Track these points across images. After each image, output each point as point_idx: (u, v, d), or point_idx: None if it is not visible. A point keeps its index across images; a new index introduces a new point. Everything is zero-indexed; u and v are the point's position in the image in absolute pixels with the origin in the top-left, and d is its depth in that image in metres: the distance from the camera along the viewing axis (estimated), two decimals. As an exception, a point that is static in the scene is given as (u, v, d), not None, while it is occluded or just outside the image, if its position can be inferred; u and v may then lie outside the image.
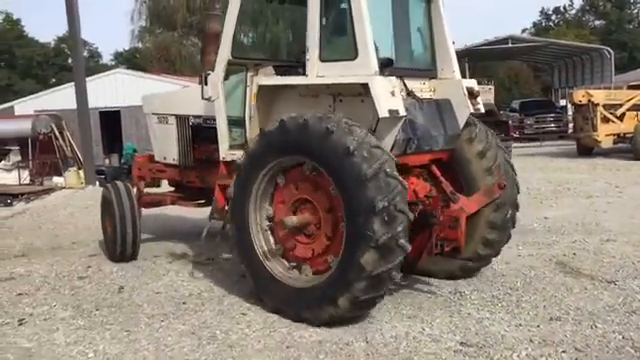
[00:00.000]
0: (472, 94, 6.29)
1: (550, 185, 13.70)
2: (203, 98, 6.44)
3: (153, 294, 6.22)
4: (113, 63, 67.55)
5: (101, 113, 31.16)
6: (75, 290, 6.44)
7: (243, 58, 6.59)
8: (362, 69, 5.39)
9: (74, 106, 16.77)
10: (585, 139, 21.22)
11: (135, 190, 8.13)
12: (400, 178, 5.11)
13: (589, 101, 20.51)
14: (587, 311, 5.44)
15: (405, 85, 5.99)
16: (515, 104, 32.75)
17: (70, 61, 77.71)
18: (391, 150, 5.50)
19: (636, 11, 71.26)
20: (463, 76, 6.54)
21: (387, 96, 5.35)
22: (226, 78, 6.42)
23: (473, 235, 6.23)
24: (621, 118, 21.07)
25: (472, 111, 6.30)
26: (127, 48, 61.58)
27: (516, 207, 6.57)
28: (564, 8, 71.98)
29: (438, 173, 6.33)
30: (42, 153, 26.23)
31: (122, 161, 25.04)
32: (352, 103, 5.65)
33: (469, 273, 6.58)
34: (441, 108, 6.25)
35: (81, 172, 16.12)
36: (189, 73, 34.98)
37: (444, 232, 5.81)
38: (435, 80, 6.44)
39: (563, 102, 34.73)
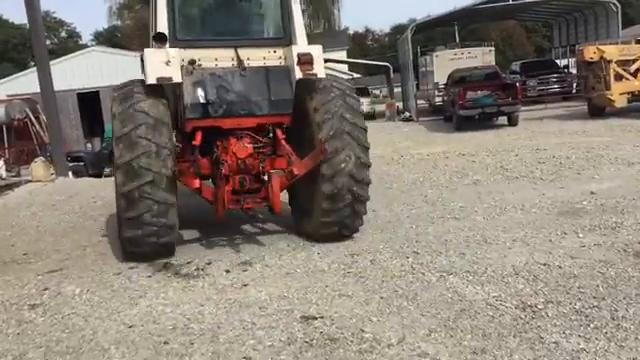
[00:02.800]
0: (304, 61, 6.62)
1: (578, 152, 12.25)
2: None
3: (125, 329, 4.68)
4: (94, 43, 65.04)
5: (79, 95, 29.44)
6: (22, 327, 4.88)
7: None
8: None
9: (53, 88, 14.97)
10: (598, 99, 19.78)
11: None
12: (157, 140, 6.13)
13: (601, 57, 19.00)
14: None
15: (237, 54, 6.75)
16: (515, 66, 31.11)
17: (49, 42, 75.28)
18: (189, 113, 6.54)
19: (627, -35, 69.36)
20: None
21: (158, 65, 6.32)
22: None
23: (314, 203, 6.80)
24: (635, 75, 19.61)
25: (301, 77, 6.66)
26: (106, 27, 59.19)
27: (353, 177, 6.62)
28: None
29: (280, 136, 6.91)
30: (18, 140, 24.51)
31: (103, 145, 23.33)
32: None
33: (327, 238, 6.83)
34: (270, 75, 6.80)
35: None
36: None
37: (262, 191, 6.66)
38: (287, 48, 6.88)
39: (564, 62, 33.15)
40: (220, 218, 6.78)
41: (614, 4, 24.50)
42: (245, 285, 5.58)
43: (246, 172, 6.67)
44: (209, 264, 6.35)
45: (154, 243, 6.36)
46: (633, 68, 19.56)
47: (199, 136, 6.70)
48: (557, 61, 33.18)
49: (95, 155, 20.27)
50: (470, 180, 10.29)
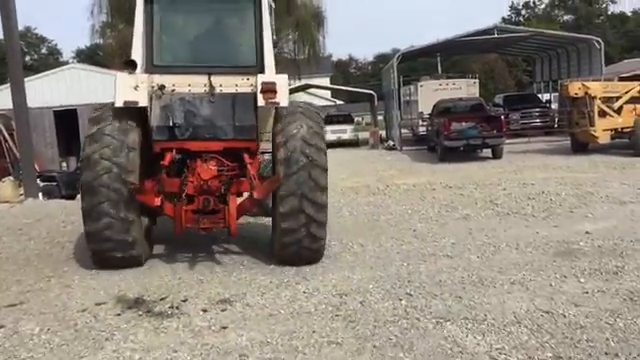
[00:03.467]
0: (266, 89, 6.86)
1: (566, 188, 12.03)
2: None
3: (87, 379, 4.16)
4: (75, 61, 64.32)
5: (56, 112, 28.72)
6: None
7: None
8: None
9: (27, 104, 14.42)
10: (581, 134, 19.82)
11: None
12: (115, 160, 6.56)
13: (586, 93, 19.07)
14: None
15: (209, 81, 7.08)
16: (498, 99, 31.27)
17: (28, 58, 74.21)
18: (156, 135, 6.92)
19: (604, 5, 71.32)
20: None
21: (126, 89, 6.79)
22: None
23: (275, 225, 6.98)
24: (618, 112, 19.70)
25: (263, 105, 6.93)
26: (88, 45, 58.55)
27: (306, 198, 6.67)
28: (533, 3, 71.70)
29: (247, 160, 7.04)
30: (-10, 156, 23.69)
31: (77, 165, 22.58)
32: None
33: (288, 260, 6.97)
34: (236, 102, 7.07)
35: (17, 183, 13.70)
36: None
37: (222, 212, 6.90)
38: (258, 76, 7.07)
39: (547, 96, 33.46)
40: (179, 235, 7.14)
41: (597, 41, 24.82)
42: (224, 328, 5.09)
43: (209, 193, 6.94)
44: (185, 301, 5.84)
45: (119, 257, 6.87)
46: (617, 105, 19.67)
47: (168, 157, 7.03)
48: (539, 95, 33.51)
49: (69, 175, 19.43)
50: (460, 214, 9.94)
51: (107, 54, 48.22)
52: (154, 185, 6.81)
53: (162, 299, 5.91)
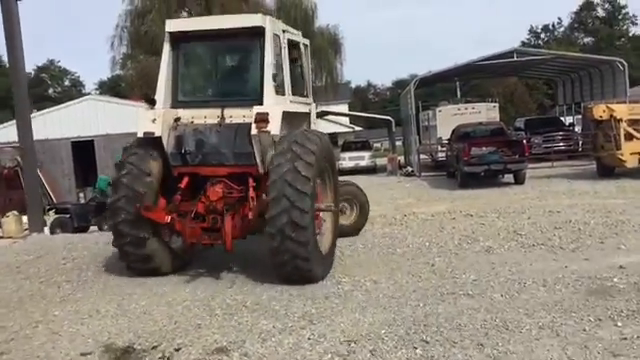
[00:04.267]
0: (259, 119, 7.53)
1: (595, 216, 11.32)
2: None
3: None
4: (97, 92, 65.35)
5: (74, 143, 28.81)
6: None
7: None
8: None
9: (42, 136, 14.27)
10: (607, 158, 19.06)
11: None
12: (134, 186, 7.68)
13: (611, 116, 18.38)
14: None
15: (222, 113, 8.00)
16: (519, 122, 30.56)
17: (52, 91, 75.68)
18: (172, 160, 8.03)
19: (625, 27, 70.55)
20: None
21: (146, 122, 7.91)
22: None
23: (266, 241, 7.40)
24: (645, 135, 18.93)
25: (255, 133, 7.59)
26: (110, 76, 59.40)
27: (288, 238, 7.11)
28: (553, 26, 71.18)
29: (250, 183, 7.76)
30: (8, 189, 23.61)
31: (90, 196, 22.34)
32: None
33: (284, 279, 7.46)
34: (239, 131, 7.85)
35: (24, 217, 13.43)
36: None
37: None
38: (254, 107, 7.76)
39: (569, 119, 32.66)
40: (189, 248, 8.36)
41: (621, 63, 24.12)
42: (217, 383, 4.57)
43: (216, 213, 7.75)
44: (178, 350, 5.34)
45: (141, 268, 8.01)
46: (644, 128, 18.94)
47: (185, 180, 8.04)
48: (561, 118, 32.75)
49: (82, 207, 19.17)
50: (481, 246, 9.31)
51: (128, 84, 48.86)
52: (166, 204, 7.85)
53: (154, 347, 5.42)
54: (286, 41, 8.38)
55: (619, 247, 8.55)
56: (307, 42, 9.18)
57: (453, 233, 10.57)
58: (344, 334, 5.58)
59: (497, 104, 28.79)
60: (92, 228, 16.95)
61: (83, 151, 28.80)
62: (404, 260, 8.79)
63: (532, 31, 70.98)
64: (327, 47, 37.24)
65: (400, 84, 69.23)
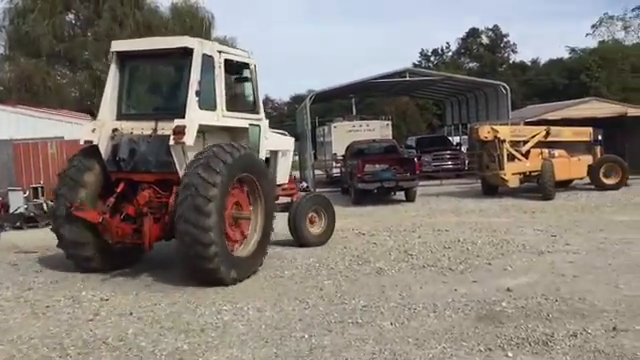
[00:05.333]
0: (177, 131, 8.23)
1: (482, 235, 11.50)
2: None
3: None
4: (-29, 96, 59.65)
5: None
6: None
7: None
8: None
9: None
10: (492, 178, 19.83)
11: None
12: (70, 197, 8.76)
13: (495, 137, 19.16)
14: None
15: (156, 125, 8.68)
16: (411, 141, 31.39)
17: None
18: (108, 166, 8.95)
19: (506, 55, 75.64)
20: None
21: (87, 132, 9.05)
22: None
23: None
24: (526, 155, 19.93)
25: (172, 144, 8.32)
26: (-15, 78, 54.37)
27: (188, 222, 7.78)
28: (442, 50, 74.74)
29: (174, 190, 8.30)
30: None
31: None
32: None
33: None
34: (163, 141, 8.45)
35: None
36: (54, 105, 30.55)
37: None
38: (175, 120, 8.46)
39: (457, 139, 34.04)
40: (113, 244, 8.80)
41: (504, 87, 25.40)
42: None
43: (142, 215, 8.47)
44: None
45: (85, 267, 9.01)
46: (524, 149, 19.90)
47: (121, 185, 8.87)
48: (449, 138, 34.05)
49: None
50: (372, 268, 9.00)
51: (5, 88, 44.94)
52: (101, 206, 8.76)
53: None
54: (222, 61, 9.01)
55: (505, 268, 8.57)
56: (254, 62, 9.73)
57: (344, 253, 10.23)
58: (218, 375, 4.91)
59: (390, 122, 29.36)
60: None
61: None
62: (292, 284, 8.26)
63: (423, 54, 74.20)
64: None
65: (298, 99, 69.50)
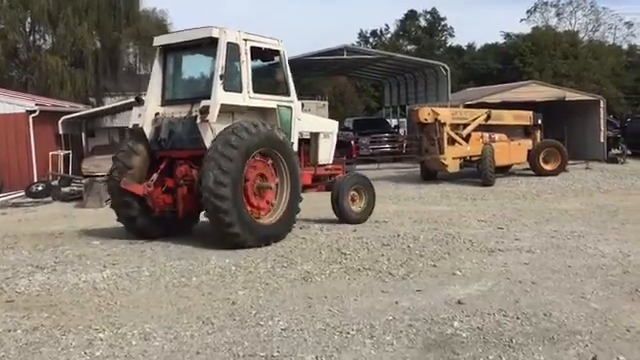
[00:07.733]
0: (202, 110, 9.38)
1: (425, 228, 10.31)
2: None
3: None
4: None
5: None
6: None
7: None
8: None
9: None
10: (431, 162, 18.84)
11: None
12: (122, 162, 10.00)
13: (436, 120, 18.09)
14: None
15: (192, 108, 9.74)
16: (348, 122, 30.09)
17: None
18: (152, 146, 10.10)
19: (444, 38, 75.73)
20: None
21: (135, 117, 10.37)
22: None
23: None
24: (467, 139, 19.03)
25: (199, 122, 9.47)
26: None
27: (208, 191, 8.86)
28: (380, 31, 73.87)
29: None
30: None
31: None
32: None
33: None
34: (193, 122, 9.65)
35: None
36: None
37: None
38: (202, 101, 9.63)
39: (394, 121, 33.07)
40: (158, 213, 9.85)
41: (444, 67, 24.49)
42: None
43: (179, 187, 9.73)
44: None
45: (131, 227, 10.14)
46: (465, 133, 19.00)
47: (165, 162, 10.00)
48: (387, 120, 33.05)
49: None
50: (298, 272, 7.54)
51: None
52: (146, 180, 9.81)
53: None
54: (248, 48, 9.89)
55: (454, 272, 7.30)
56: (283, 49, 10.51)
57: (267, 251, 8.75)
58: None
59: (327, 102, 27.97)
60: None
61: None
62: (199, 295, 6.67)
63: (362, 35, 73.03)
64: (154, 31, 33.77)
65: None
